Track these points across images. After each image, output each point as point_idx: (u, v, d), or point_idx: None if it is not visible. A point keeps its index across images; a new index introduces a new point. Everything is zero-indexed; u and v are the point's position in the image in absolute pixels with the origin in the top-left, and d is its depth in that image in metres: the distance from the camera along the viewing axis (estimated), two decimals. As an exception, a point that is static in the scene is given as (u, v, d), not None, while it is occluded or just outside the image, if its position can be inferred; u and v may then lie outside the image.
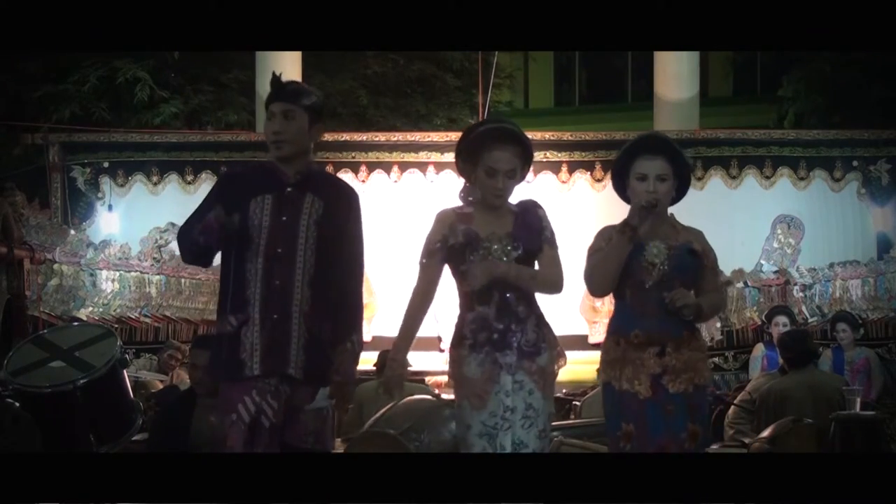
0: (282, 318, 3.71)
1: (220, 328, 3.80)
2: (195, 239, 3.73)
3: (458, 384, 3.79)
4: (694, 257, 3.90)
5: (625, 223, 3.81)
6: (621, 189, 3.99)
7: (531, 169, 3.97)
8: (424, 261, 3.84)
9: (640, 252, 3.84)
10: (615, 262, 3.82)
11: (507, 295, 3.76)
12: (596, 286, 3.94)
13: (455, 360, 3.79)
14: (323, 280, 3.77)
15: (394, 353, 3.87)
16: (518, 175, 3.82)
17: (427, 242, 3.84)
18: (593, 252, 3.92)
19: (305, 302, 3.73)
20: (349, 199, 3.92)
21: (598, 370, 3.94)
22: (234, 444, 3.64)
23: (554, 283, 3.83)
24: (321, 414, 3.83)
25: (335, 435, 3.99)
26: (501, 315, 3.75)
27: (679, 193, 3.97)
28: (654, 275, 3.84)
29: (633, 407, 3.81)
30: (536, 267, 3.84)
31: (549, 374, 3.81)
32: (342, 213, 3.85)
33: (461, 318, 3.82)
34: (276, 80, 3.83)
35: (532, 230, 3.81)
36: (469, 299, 3.80)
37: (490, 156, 3.77)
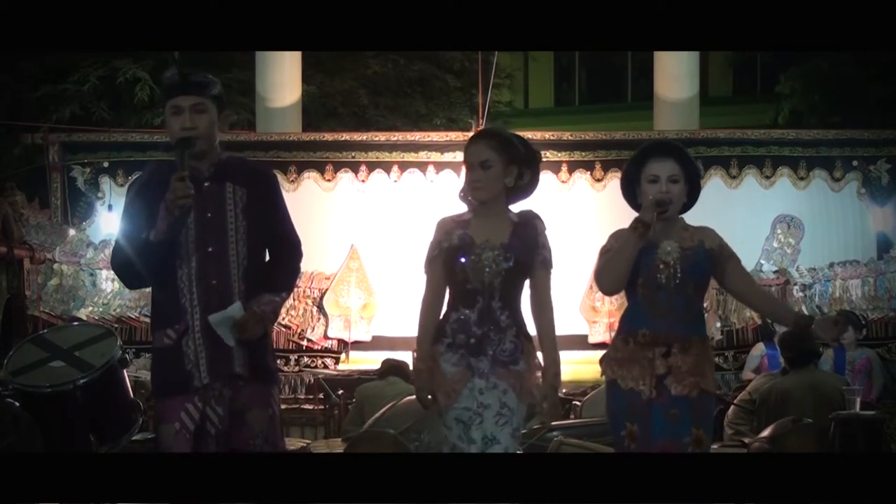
0: None
1: (158, 343, 3.67)
2: (150, 242, 3.56)
3: (433, 376, 3.82)
4: (709, 257, 3.90)
5: (637, 220, 3.82)
6: (632, 196, 3.98)
7: None
8: (427, 269, 3.88)
9: (653, 251, 3.84)
10: (626, 260, 3.81)
11: (492, 303, 3.79)
12: (606, 284, 3.95)
13: (432, 355, 3.83)
14: (256, 270, 3.68)
15: (418, 363, 3.89)
16: (497, 165, 3.82)
17: (428, 251, 3.88)
18: (605, 251, 3.93)
19: (242, 296, 3.62)
20: (269, 180, 3.83)
21: (602, 367, 3.92)
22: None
23: (548, 311, 3.88)
24: (267, 414, 3.68)
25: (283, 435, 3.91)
26: (482, 321, 3.79)
27: (690, 199, 3.96)
28: (666, 274, 3.83)
29: (636, 406, 3.81)
30: (527, 283, 3.86)
31: (526, 380, 3.82)
32: (266, 196, 3.74)
33: (445, 315, 3.86)
34: (177, 72, 3.69)
35: (527, 243, 3.84)
36: (455, 300, 3.84)
37: (466, 151, 3.88)
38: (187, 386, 3.58)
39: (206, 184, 3.66)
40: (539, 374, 3.85)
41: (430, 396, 3.83)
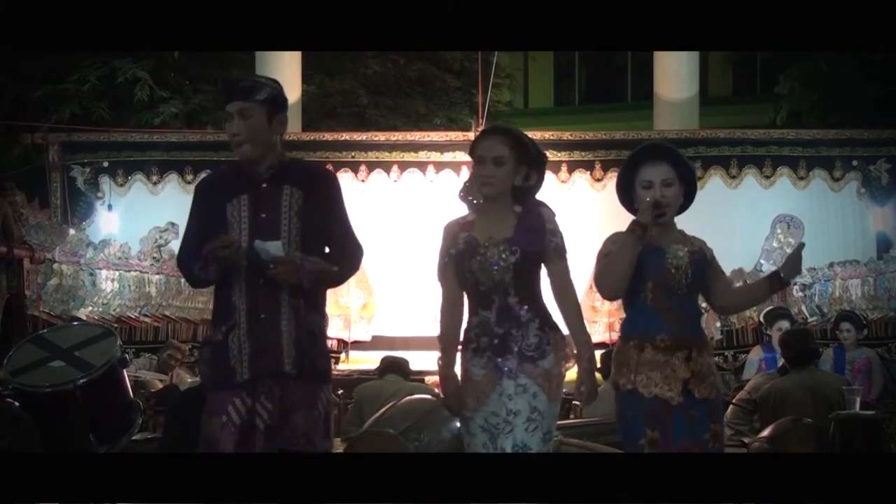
0: (270, 317, 3.66)
1: (210, 338, 3.78)
2: (198, 276, 3.74)
3: (463, 382, 3.79)
4: (708, 264, 3.93)
5: (634, 222, 3.81)
6: (629, 202, 3.98)
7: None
8: (440, 278, 3.86)
9: (663, 255, 3.84)
10: (625, 263, 3.80)
11: (509, 300, 3.75)
12: (607, 289, 3.92)
13: (461, 361, 3.81)
14: None
15: (444, 370, 3.83)
16: (509, 163, 3.78)
17: (439, 259, 3.86)
18: (603, 256, 3.90)
19: (294, 296, 3.67)
20: (328, 182, 3.87)
21: (612, 373, 3.90)
22: (226, 447, 3.61)
23: (571, 296, 3.85)
24: (312, 415, 3.72)
25: (331, 436, 3.92)
26: (502, 320, 3.75)
27: (687, 199, 3.96)
28: (678, 278, 3.83)
29: (661, 413, 3.76)
30: (544, 270, 3.83)
31: (556, 377, 3.77)
32: (323, 198, 3.78)
33: (468, 321, 3.83)
34: (227, 80, 3.79)
35: (534, 232, 3.79)
36: (473, 303, 3.81)
37: (479, 146, 3.83)
38: (230, 381, 3.65)
39: (263, 185, 3.74)
40: (571, 364, 3.81)
41: (459, 403, 3.78)
